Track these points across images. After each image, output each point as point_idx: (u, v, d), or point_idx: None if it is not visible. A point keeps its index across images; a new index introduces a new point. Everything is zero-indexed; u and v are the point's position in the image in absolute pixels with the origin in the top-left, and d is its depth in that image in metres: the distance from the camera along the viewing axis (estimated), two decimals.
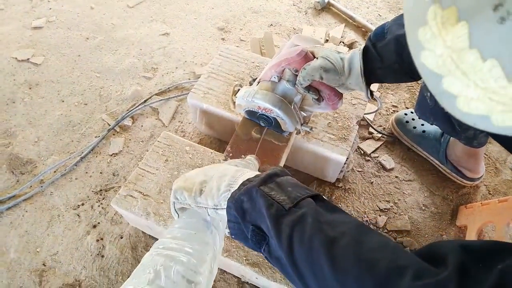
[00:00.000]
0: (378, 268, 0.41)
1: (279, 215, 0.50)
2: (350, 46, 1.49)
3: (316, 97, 0.78)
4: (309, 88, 0.77)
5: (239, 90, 0.89)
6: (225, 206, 0.56)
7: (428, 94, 0.87)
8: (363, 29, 1.55)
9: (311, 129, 0.87)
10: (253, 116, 0.89)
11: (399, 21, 0.73)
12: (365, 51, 0.73)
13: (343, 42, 1.51)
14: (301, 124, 0.86)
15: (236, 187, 0.56)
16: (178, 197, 0.61)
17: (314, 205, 0.51)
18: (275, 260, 0.52)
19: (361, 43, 1.50)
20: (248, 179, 0.57)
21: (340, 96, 0.79)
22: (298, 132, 0.90)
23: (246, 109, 0.87)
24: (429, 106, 0.89)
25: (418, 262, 0.40)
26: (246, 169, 0.63)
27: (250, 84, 0.91)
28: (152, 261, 0.54)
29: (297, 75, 0.77)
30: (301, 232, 0.47)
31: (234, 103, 0.90)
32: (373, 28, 1.51)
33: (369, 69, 0.73)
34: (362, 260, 0.42)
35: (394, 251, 0.43)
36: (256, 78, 0.88)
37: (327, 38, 1.52)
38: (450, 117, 0.88)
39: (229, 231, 0.57)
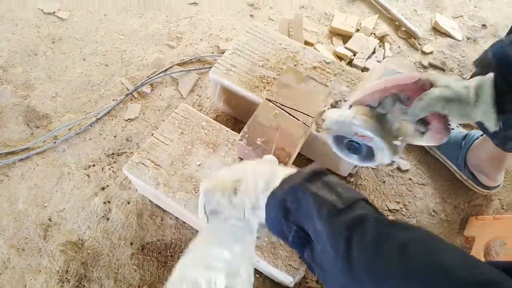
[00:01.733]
0: (462, 281, 0.36)
1: (332, 215, 0.45)
2: (381, 38, 1.44)
3: (424, 131, 0.68)
4: (418, 119, 0.67)
5: (324, 112, 0.78)
6: (264, 205, 0.52)
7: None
8: (397, 23, 1.49)
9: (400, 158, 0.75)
10: (340, 142, 0.78)
11: None
12: (495, 83, 0.62)
13: (374, 34, 1.46)
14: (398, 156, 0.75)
15: (277, 184, 0.52)
16: (210, 198, 0.57)
17: (371, 208, 0.47)
18: (318, 266, 0.47)
19: (392, 37, 1.45)
20: (289, 176, 0.53)
21: (448, 130, 0.68)
22: (390, 165, 0.80)
23: (335, 134, 0.76)
24: None
25: (507, 278, 0.36)
26: (281, 167, 0.58)
27: (333, 106, 0.80)
28: (188, 273, 0.50)
29: (399, 102, 0.67)
30: (362, 235, 0.42)
31: (317, 124, 0.79)
32: (408, 23, 1.46)
33: (500, 98, 0.61)
34: (441, 270, 0.37)
35: (475, 264, 0.38)
36: (340, 100, 0.78)
37: (358, 28, 1.47)
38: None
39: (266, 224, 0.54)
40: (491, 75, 0.62)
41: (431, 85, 0.65)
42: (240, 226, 0.57)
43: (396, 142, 0.71)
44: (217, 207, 0.57)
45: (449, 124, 0.68)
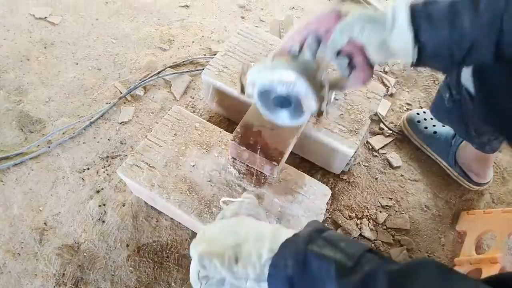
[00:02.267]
0: None
1: (341, 275, 0.43)
2: None
3: (347, 62, 0.65)
4: (339, 52, 0.65)
5: (247, 69, 0.74)
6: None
7: (447, 95, 0.85)
8: None
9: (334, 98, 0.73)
10: (267, 99, 0.73)
11: None
12: (412, 9, 0.59)
13: None
14: (326, 103, 0.71)
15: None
16: (206, 265, 0.52)
17: (376, 259, 0.45)
18: None
19: None
20: (287, 240, 0.49)
21: (372, 68, 0.67)
22: (320, 114, 0.74)
23: (260, 89, 0.71)
24: (445, 108, 0.87)
25: None
26: (282, 227, 0.55)
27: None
28: None
29: (319, 43, 0.65)
30: None
31: (242, 85, 0.75)
32: None
33: (415, 25, 0.58)
34: None
35: None
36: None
37: None
38: (466, 121, 0.86)
39: None
40: (407, 1, 0.59)
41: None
42: None
43: (321, 84, 0.68)
44: (214, 275, 0.53)
45: (372, 66, 0.66)
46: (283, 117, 0.72)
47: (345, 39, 0.62)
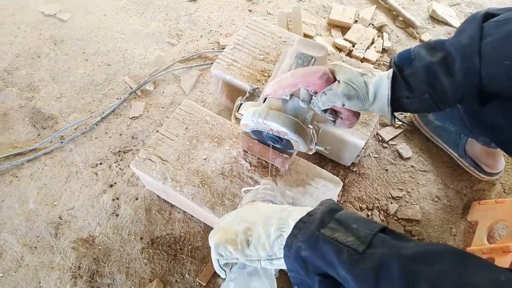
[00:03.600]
0: None
1: (354, 261, 0.43)
2: (379, 29, 1.45)
3: (333, 119, 0.74)
4: (326, 109, 0.73)
5: (241, 104, 0.82)
6: (281, 255, 0.50)
7: None
8: (394, 13, 1.50)
9: (325, 148, 0.80)
10: (259, 135, 0.82)
11: (427, 46, 0.67)
12: (394, 79, 0.67)
13: (372, 24, 1.47)
14: (315, 143, 0.79)
15: (289, 231, 0.50)
16: (222, 253, 0.55)
17: (389, 241, 0.44)
18: None
19: (390, 27, 1.46)
20: (301, 220, 0.50)
21: (358, 115, 0.74)
22: (309, 151, 0.82)
23: (253, 129, 0.80)
24: (445, 112, 0.87)
25: None
26: (289, 206, 0.57)
27: (249, 96, 0.83)
28: None
29: (312, 95, 0.72)
30: (390, 279, 0.40)
31: (236, 118, 0.82)
32: (405, 13, 1.47)
33: (396, 97, 0.67)
34: None
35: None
36: (256, 89, 0.82)
37: (357, 19, 1.48)
38: (466, 122, 0.86)
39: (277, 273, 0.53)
40: (390, 72, 0.67)
41: (335, 79, 0.70)
42: (258, 274, 0.57)
43: (310, 129, 0.76)
44: (231, 261, 0.56)
45: (357, 113, 0.74)
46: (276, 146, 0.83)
47: (328, 107, 0.71)
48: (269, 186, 0.73)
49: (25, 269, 0.97)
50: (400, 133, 1.21)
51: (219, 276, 0.96)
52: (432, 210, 1.09)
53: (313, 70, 0.70)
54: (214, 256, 0.57)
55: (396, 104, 0.68)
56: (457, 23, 1.48)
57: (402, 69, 0.67)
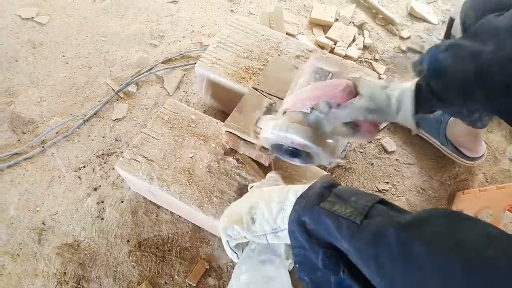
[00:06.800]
0: (496, 267, 0.35)
1: (353, 232, 0.44)
2: (360, 27, 1.47)
3: (353, 132, 0.72)
4: (348, 122, 0.71)
5: (259, 118, 0.83)
6: (284, 227, 0.52)
7: None
8: (374, 11, 1.53)
9: (343, 158, 0.79)
10: (279, 149, 0.80)
11: (456, 52, 0.61)
12: (418, 91, 0.64)
13: (353, 23, 1.49)
14: (335, 156, 0.78)
15: (290, 205, 0.52)
16: (230, 233, 0.59)
17: (386, 211, 0.46)
18: (361, 280, 0.46)
19: (371, 25, 1.49)
20: (301, 196, 0.52)
21: (378, 127, 0.73)
22: (330, 164, 0.80)
23: (273, 143, 0.78)
24: None
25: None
26: (290, 186, 0.58)
27: (267, 111, 0.84)
28: None
29: (332, 108, 0.70)
30: (387, 248, 0.41)
31: (255, 132, 0.83)
32: (385, 11, 1.49)
33: (424, 108, 0.65)
34: (466, 247, 0.37)
35: (503, 243, 0.37)
36: (273, 104, 0.82)
37: (337, 18, 1.50)
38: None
39: (292, 261, 0.54)
40: (412, 86, 0.65)
41: (357, 91, 0.68)
42: (271, 261, 0.60)
43: (329, 142, 0.74)
44: (240, 240, 0.59)
45: (377, 124, 0.72)
46: (295, 161, 0.78)
47: (351, 119, 0.69)
48: (275, 177, 0.77)
49: (7, 278, 0.94)
50: (384, 128, 1.22)
51: (209, 276, 0.95)
52: (417, 202, 1.10)
53: (336, 83, 0.69)
54: (223, 239, 0.60)
55: (421, 112, 0.66)
56: (434, 19, 1.52)
57: (429, 82, 0.64)
